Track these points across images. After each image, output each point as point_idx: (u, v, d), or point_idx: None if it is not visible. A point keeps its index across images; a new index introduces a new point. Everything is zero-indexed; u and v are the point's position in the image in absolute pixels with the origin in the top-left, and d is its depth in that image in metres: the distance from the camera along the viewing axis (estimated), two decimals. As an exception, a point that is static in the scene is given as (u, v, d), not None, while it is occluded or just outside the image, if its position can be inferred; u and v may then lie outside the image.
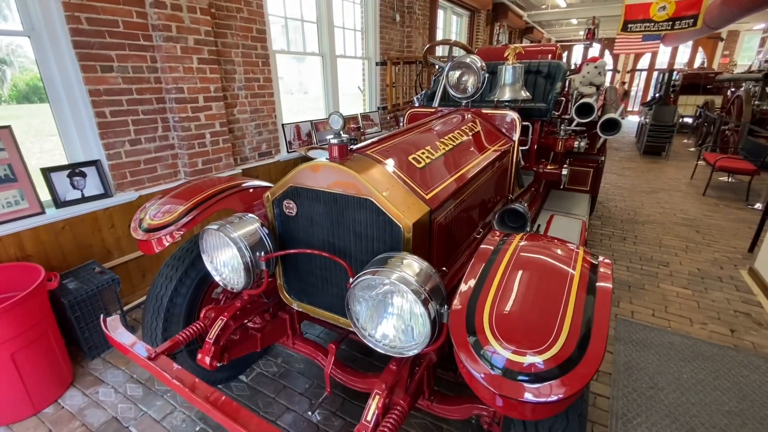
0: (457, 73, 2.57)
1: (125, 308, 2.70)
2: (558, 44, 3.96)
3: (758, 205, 5.15)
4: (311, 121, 4.46)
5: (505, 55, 2.49)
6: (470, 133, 2.19)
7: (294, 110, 13.02)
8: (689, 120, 10.89)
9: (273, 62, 3.75)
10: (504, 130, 2.49)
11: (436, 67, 3.14)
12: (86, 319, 2.23)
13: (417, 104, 3.62)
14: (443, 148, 1.84)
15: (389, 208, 1.28)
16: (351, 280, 1.22)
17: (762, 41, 12.91)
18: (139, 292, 2.89)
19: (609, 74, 3.65)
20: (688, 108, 10.98)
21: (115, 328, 1.51)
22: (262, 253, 1.45)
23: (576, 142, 2.93)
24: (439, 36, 7.17)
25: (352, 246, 1.44)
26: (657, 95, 11.86)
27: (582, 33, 17.46)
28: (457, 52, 3.11)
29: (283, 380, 2.18)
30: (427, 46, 2.96)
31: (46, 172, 2.37)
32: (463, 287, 1.06)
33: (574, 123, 2.93)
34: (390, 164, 1.46)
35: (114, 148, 2.62)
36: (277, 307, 1.88)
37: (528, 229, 2.12)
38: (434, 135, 1.96)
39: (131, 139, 2.71)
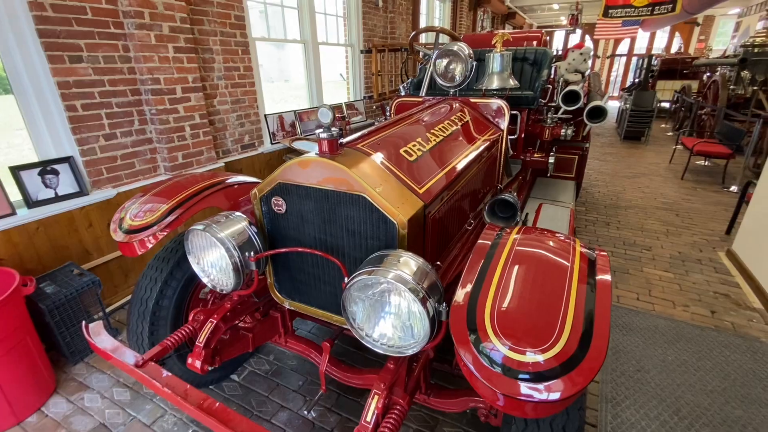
0: (444, 62, 2.52)
1: (108, 310, 2.61)
2: (543, 31, 3.94)
3: (733, 188, 5.32)
4: (295, 111, 4.35)
5: (493, 42, 2.45)
6: (459, 124, 2.16)
7: (276, 99, 12.72)
8: (666, 105, 11.13)
9: (253, 50, 3.61)
10: (492, 119, 2.47)
11: (422, 55, 3.08)
12: (67, 324, 2.14)
13: (403, 93, 3.56)
14: (434, 140, 1.81)
15: (383, 205, 1.24)
16: (346, 280, 1.19)
17: (736, 26, 13.19)
18: (122, 293, 2.79)
19: (590, 60, 3.64)
20: (666, 93, 11.19)
21: (97, 334, 1.45)
22: (252, 253, 1.40)
23: (563, 130, 2.94)
24: (423, 22, 7.05)
25: (345, 243, 1.40)
26: (636, 80, 12.06)
27: (563, 19, 17.50)
28: (443, 39, 3.06)
29: (276, 378, 2.15)
30: (413, 33, 2.89)
31: (15, 170, 2.24)
32: (462, 284, 1.04)
33: (561, 111, 2.94)
34: (381, 158, 1.42)
35: (88, 144, 2.49)
36: (268, 306, 1.84)
37: (518, 218, 2.12)
38: (424, 126, 1.92)
39: (106, 133, 2.58)
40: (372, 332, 1.17)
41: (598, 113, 2.79)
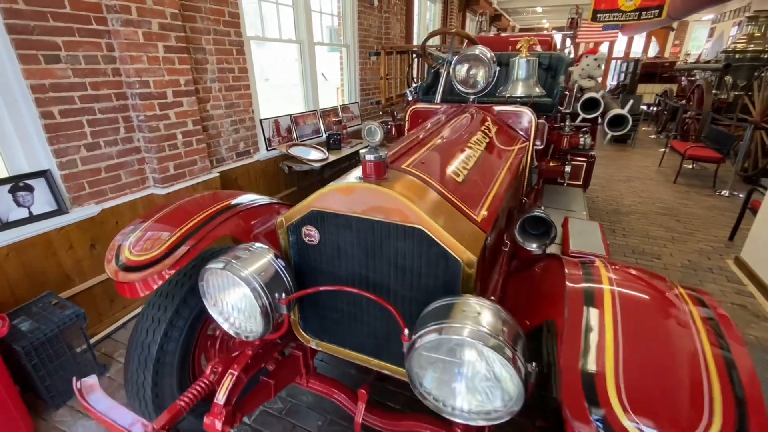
0: (465, 67, 2.36)
1: (92, 341, 2.31)
2: (552, 34, 3.84)
3: (725, 192, 5.39)
4: (290, 115, 4.10)
5: (518, 47, 2.30)
6: (490, 135, 2.00)
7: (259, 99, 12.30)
8: (644, 108, 11.38)
9: (248, 50, 3.35)
10: (517, 129, 2.32)
11: (436, 58, 2.90)
12: (47, 365, 1.86)
13: (410, 98, 3.39)
14: (474, 157, 1.63)
15: (446, 240, 1.06)
16: (406, 332, 1.00)
17: (711, 31, 13.65)
18: (107, 321, 2.50)
19: (603, 66, 3.57)
20: (646, 96, 11.45)
21: (92, 392, 1.21)
22: (283, 294, 1.19)
23: (581, 139, 2.82)
24: (416, 23, 6.89)
25: (391, 280, 1.21)
26: (618, 83, 12.29)
27: (545, 21, 17.76)
28: (444, 41, 2.88)
29: (292, 418, 1.93)
30: (427, 36, 2.71)
31: (-19, 187, 1.93)
32: (567, 342, 0.87)
33: (579, 118, 2.82)
34: (433, 181, 1.23)
35: (67, 155, 2.19)
36: (287, 342, 1.63)
37: (553, 234, 1.98)
38: (458, 139, 1.74)
39: (87, 143, 2.28)
40: (448, 399, 0.98)
41: (620, 121, 2.69)
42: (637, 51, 18.02)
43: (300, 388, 2.09)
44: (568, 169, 2.81)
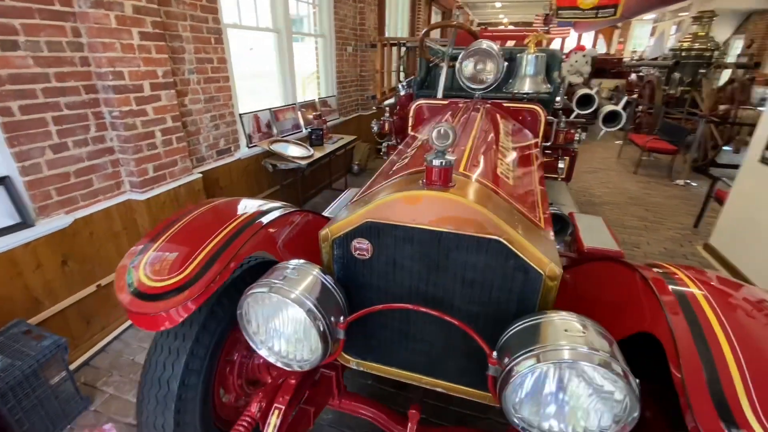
0: (472, 62, 2.29)
1: (71, 368, 2.02)
2: (538, 29, 3.88)
3: (680, 182, 5.80)
4: (270, 110, 3.85)
5: (526, 42, 2.27)
6: (509, 133, 1.95)
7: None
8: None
9: (226, 39, 3.07)
10: (527, 126, 2.30)
11: (431, 52, 2.81)
12: (23, 405, 1.58)
13: (402, 92, 3.28)
14: (509, 156, 1.57)
15: (527, 252, 0.98)
16: (495, 356, 0.92)
17: (653, 30, 14.67)
18: (84, 345, 2.20)
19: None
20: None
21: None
22: (341, 318, 1.06)
23: (576, 135, 2.87)
24: (388, 15, 6.75)
25: (456, 295, 1.12)
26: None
27: (503, 16, 18.21)
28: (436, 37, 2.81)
29: (315, 439, 1.80)
30: (426, 29, 2.61)
31: (-77, 199, 1.59)
32: (684, 355, 0.82)
33: (574, 114, 2.86)
34: (496, 187, 1.15)
35: (30, 158, 1.87)
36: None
37: (570, 231, 1.98)
38: (487, 139, 1.67)
39: (54, 143, 1.97)
40: (540, 423, 0.91)
41: (614, 117, 2.76)
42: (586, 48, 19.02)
43: (319, 405, 1.96)
44: (561, 164, 2.85)
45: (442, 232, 1.03)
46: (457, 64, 2.32)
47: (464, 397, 1.25)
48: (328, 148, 4.15)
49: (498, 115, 2.19)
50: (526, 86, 2.28)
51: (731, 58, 9.83)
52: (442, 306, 1.14)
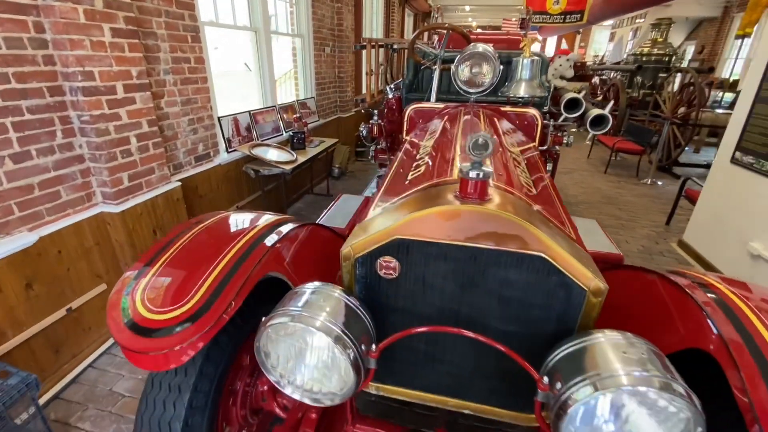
0: (467, 65, 2.26)
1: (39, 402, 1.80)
2: (522, 32, 3.92)
3: (647, 181, 6.08)
4: (249, 112, 3.67)
5: (521, 45, 2.26)
6: (513, 139, 1.93)
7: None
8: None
9: (204, 37, 2.88)
10: (524, 131, 2.28)
11: (421, 54, 2.76)
12: (-14, 456, 1.38)
13: (390, 95, 3.21)
14: (522, 164, 1.53)
15: (571, 267, 0.93)
16: (545, 380, 0.86)
17: (611, 35, 15.40)
18: (53, 377, 1.97)
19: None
20: (566, 93, 12.54)
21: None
22: (373, 346, 0.97)
23: (565, 138, 2.91)
24: (366, 16, 6.66)
25: (490, 314, 1.05)
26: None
27: (471, 20, 18.56)
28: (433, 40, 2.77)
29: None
30: (418, 31, 2.55)
31: None
32: (747, 373, 0.79)
33: (562, 118, 2.89)
34: (529, 199, 1.10)
35: (-14, 170, 1.65)
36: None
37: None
38: (497, 145, 1.63)
39: (14, 152, 1.74)
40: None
41: (601, 121, 2.81)
42: (549, 52, 19.76)
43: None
44: (549, 166, 2.88)
45: (481, 249, 0.96)
46: (453, 67, 2.27)
47: (493, 418, 1.19)
48: (311, 151, 4.02)
49: (496, 120, 2.16)
50: (522, 90, 2.27)
51: (684, 63, 10.48)
52: (474, 326, 1.07)
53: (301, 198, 4.83)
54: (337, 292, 1.03)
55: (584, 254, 1.03)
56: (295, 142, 3.97)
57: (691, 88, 6.51)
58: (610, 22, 15.90)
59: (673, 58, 8.33)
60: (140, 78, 2.21)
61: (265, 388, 1.43)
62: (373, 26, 7.81)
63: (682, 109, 6.48)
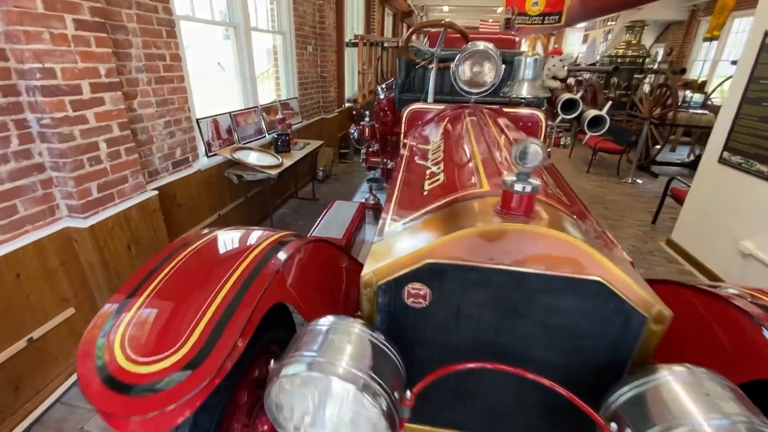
0: (468, 65, 2.15)
1: (-7, 457, 1.56)
2: (513, 33, 3.86)
3: (628, 179, 6.18)
4: (230, 114, 3.44)
5: (527, 44, 2.16)
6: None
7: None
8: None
9: (179, 32, 2.65)
10: (528, 133, 2.19)
11: (417, 53, 2.63)
12: None
13: (382, 96, 3.07)
14: (544, 171, 1.43)
15: (633, 292, 0.82)
16: (614, 428, 0.74)
17: (585, 37, 15.80)
18: (14, 419, 1.72)
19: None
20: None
21: None
22: (408, 394, 0.82)
23: (562, 139, 2.85)
24: (347, 14, 6.48)
25: (533, 345, 0.93)
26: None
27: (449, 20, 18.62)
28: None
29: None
30: (413, 28, 2.42)
31: None
32: None
33: (559, 119, 2.83)
34: (573, 214, 0.98)
35: (-77, 183, 1.40)
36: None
37: None
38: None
39: (-41, 162, 1.50)
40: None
41: (598, 122, 2.76)
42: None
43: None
44: (546, 168, 2.81)
45: (528, 274, 0.84)
46: (453, 67, 2.15)
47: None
48: (297, 155, 3.82)
49: (501, 121, 2.06)
50: (525, 90, 2.17)
51: (655, 65, 10.84)
52: (513, 357, 0.95)
53: (285, 203, 4.61)
54: (357, 327, 0.88)
55: (635, 273, 0.92)
56: (280, 145, 3.77)
57: (665, 89, 6.69)
58: (583, 24, 16.31)
59: (647, 59, 8.56)
60: (110, 76, 1.98)
61: (266, 428, 1.27)
62: (354, 25, 7.64)
63: (657, 110, 6.64)
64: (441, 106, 2.24)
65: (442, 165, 1.37)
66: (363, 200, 2.91)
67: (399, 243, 0.97)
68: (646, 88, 8.23)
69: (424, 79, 3.10)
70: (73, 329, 1.99)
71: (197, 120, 2.96)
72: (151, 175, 2.48)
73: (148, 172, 2.44)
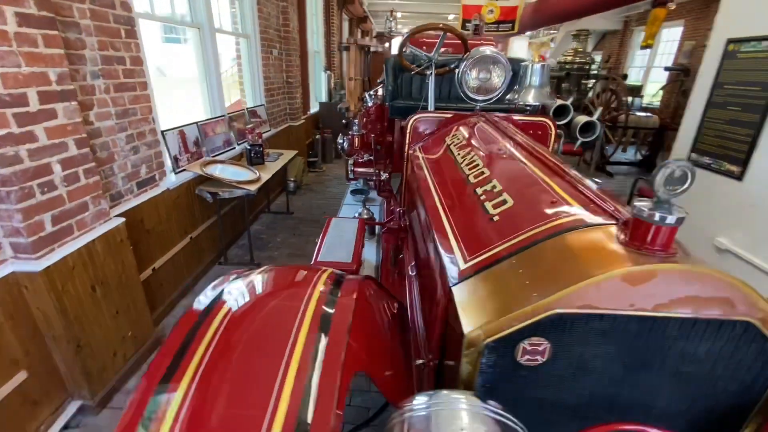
0: (474, 72, 2.04)
1: None
2: (493, 38, 3.83)
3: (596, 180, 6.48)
4: (197, 124, 3.08)
5: (531, 50, 2.09)
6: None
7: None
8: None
9: (139, 32, 2.29)
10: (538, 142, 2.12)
11: (414, 59, 2.48)
12: None
13: (369, 103, 2.88)
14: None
15: (780, 331, 0.71)
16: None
17: (529, 45, 16.63)
18: None
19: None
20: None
21: None
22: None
23: (556, 145, 2.84)
24: (309, 17, 6.22)
25: (658, 395, 0.80)
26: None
27: (401, 27, 18.82)
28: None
29: None
30: (409, 32, 2.27)
31: None
32: None
33: (550, 125, 2.82)
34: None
35: None
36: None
37: None
38: (546, 162, 1.40)
39: None
40: None
41: (588, 127, 2.78)
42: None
43: None
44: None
45: (672, 319, 0.71)
46: (459, 73, 2.04)
47: None
48: (271, 167, 3.52)
49: (512, 129, 1.96)
50: (532, 97, 2.10)
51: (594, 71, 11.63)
52: (635, 413, 0.81)
53: (257, 218, 4.26)
54: (463, 401, 0.69)
55: None
56: (253, 157, 3.45)
57: (611, 94, 7.16)
58: (528, 32, 17.22)
59: (592, 66, 9.13)
60: (62, 83, 1.62)
61: None
62: (315, 30, 7.38)
63: (608, 113, 7.07)
64: (448, 114, 2.10)
65: (496, 183, 1.21)
66: (356, 214, 2.71)
67: (500, 288, 0.80)
68: (590, 93, 8.76)
69: (412, 84, 2.97)
70: (26, 397, 1.59)
71: (162, 132, 2.59)
72: (113, 199, 2.10)
73: (110, 195, 2.06)
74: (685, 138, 3.51)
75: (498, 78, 2.02)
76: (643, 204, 0.71)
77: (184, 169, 2.78)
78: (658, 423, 0.79)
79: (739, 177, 2.98)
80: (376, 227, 3.19)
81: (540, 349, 0.75)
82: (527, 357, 0.75)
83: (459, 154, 1.62)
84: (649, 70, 10.57)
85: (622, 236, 0.75)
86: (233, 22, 4.06)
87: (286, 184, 4.91)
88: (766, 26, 2.78)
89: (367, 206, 2.72)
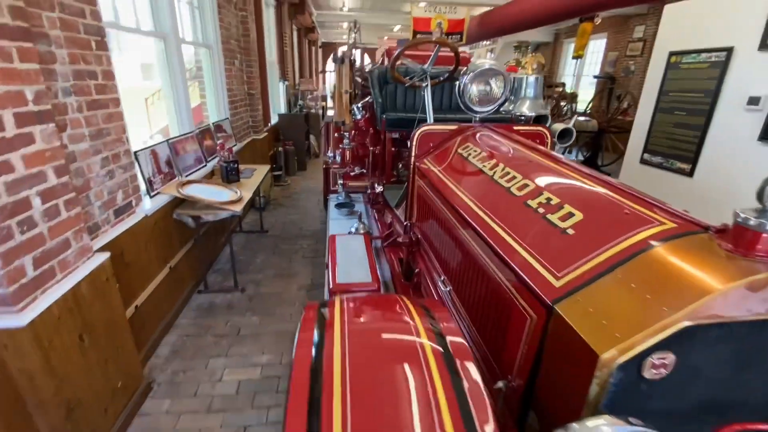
0: (475, 85, 2.10)
1: None
2: (467, 51, 3.95)
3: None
4: (168, 142, 2.82)
5: (523, 64, 2.19)
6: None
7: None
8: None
9: (109, 43, 2.05)
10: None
11: (407, 72, 2.48)
12: None
13: (358, 116, 2.83)
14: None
15: None
16: None
17: (470, 55, 17.50)
18: None
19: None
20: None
21: None
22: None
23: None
24: (267, 28, 6.01)
25: (760, 394, 0.85)
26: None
27: (345, 37, 18.90)
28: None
29: None
30: (404, 45, 2.27)
31: None
32: None
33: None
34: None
35: None
36: None
37: None
38: (575, 169, 1.46)
39: None
40: None
41: (565, 134, 2.96)
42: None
43: None
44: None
45: (774, 318, 0.75)
46: (460, 85, 2.07)
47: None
48: (248, 183, 3.33)
49: (512, 139, 2.03)
50: (526, 108, 2.20)
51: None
52: (741, 413, 0.86)
53: (230, 239, 3.98)
54: (604, 426, 0.68)
55: None
56: (229, 174, 3.23)
57: (554, 101, 7.75)
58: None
59: (534, 75, 9.83)
60: (39, 103, 1.39)
61: None
62: (269, 40, 7.16)
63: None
64: (453, 126, 2.12)
65: (550, 195, 1.22)
66: (352, 229, 2.64)
67: (616, 304, 0.80)
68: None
69: (396, 96, 2.97)
70: (8, 481, 1.32)
71: (135, 153, 2.33)
72: (91, 231, 1.84)
73: (88, 227, 1.80)
74: (637, 139, 3.87)
75: (498, 89, 2.08)
76: (747, 212, 0.75)
77: (158, 192, 2.53)
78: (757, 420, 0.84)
79: (690, 174, 3.33)
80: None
81: (666, 362, 0.75)
82: (654, 371, 0.76)
83: (485, 165, 1.63)
84: (579, 78, 11.57)
85: (724, 244, 0.79)
86: (194, 31, 3.80)
87: (255, 200, 4.66)
88: (702, 40, 3.16)
89: (363, 220, 2.65)
